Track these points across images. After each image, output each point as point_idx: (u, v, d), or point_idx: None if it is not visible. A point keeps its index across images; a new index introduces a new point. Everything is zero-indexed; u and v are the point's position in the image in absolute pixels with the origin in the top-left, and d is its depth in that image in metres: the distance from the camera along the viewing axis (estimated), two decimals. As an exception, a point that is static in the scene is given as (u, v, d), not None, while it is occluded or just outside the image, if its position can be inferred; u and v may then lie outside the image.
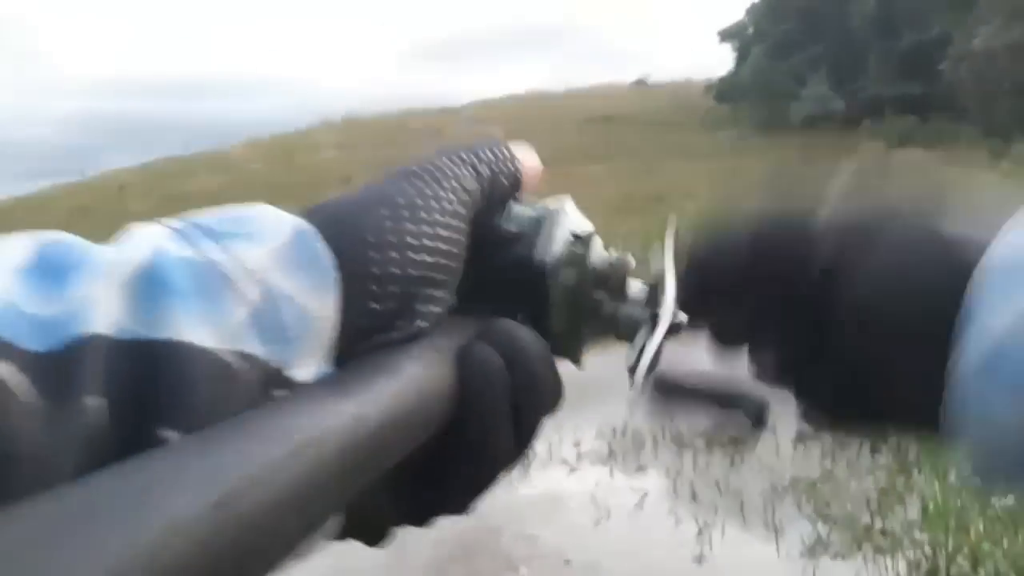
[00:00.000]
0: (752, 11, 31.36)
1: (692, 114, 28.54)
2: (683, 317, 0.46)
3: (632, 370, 0.45)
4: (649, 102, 30.35)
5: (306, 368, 0.28)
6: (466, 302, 0.40)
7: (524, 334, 0.37)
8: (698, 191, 19.51)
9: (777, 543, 3.88)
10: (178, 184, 25.58)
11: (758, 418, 0.50)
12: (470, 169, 0.39)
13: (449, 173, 0.37)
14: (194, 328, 0.25)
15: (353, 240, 0.31)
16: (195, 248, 0.27)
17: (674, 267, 0.47)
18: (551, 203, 0.46)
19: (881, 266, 0.41)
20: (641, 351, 0.45)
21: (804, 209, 0.52)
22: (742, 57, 31.08)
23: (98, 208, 25.10)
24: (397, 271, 0.31)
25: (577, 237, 0.44)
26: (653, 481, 4.86)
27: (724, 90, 30.35)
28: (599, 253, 0.45)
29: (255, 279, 0.27)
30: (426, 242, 0.32)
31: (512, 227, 0.43)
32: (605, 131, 27.13)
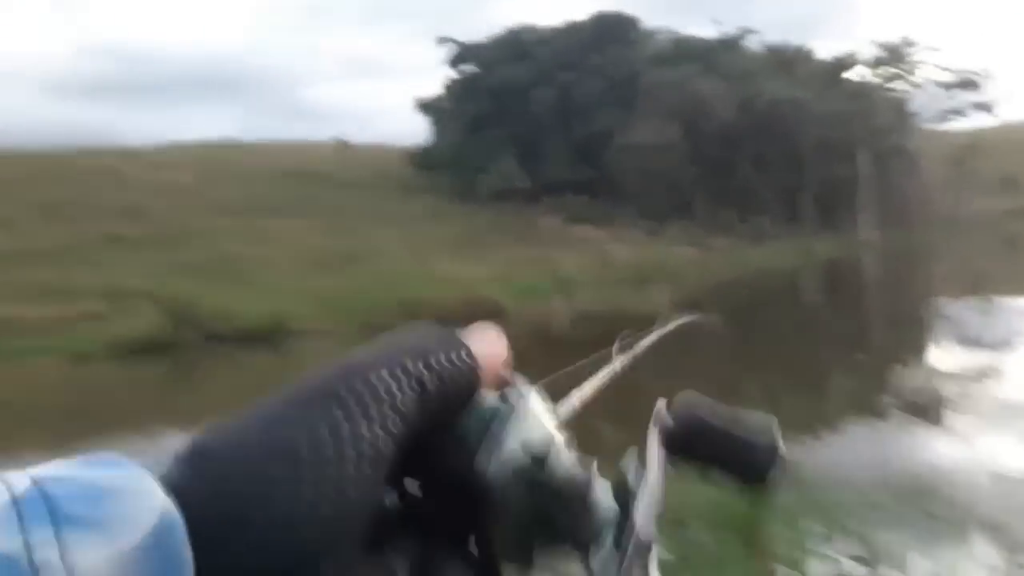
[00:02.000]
0: (450, 87, 33.13)
1: (389, 178, 29.17)
2: (649, 535, 0.39)
3: None
4: (348, 162, 30.57)
5: None
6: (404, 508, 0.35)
7: None
8: (392, 253, 19.96)
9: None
10: None
11: None
12: (414, 384, 0.31)
13: (383, 394, 0.30)
14: None
15: (228, 522, 0.24)
16: (26, 537, 0.22)
17: (656, 470, 0.42)
18: (513, 394, 0.41)
19: None
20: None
21: None
22: (440, 129, 32.62)
23: None
24: (274, 559, 0.24)
25: (534, 457, 0.37)
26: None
27: (422, 159, 31.52)
28: (560, 467, 0.38)
29: None
30: (324, 511, 0.25)
31: (463, 431, 0.37)
32: (301, 187, 26.75)
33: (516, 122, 29.76)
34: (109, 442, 8.52)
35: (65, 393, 11.63)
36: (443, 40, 31.68)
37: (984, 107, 33.58)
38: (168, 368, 12.50)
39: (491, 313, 13.99)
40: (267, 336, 13.27)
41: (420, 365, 0.32)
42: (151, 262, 18.86)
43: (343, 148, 34.16)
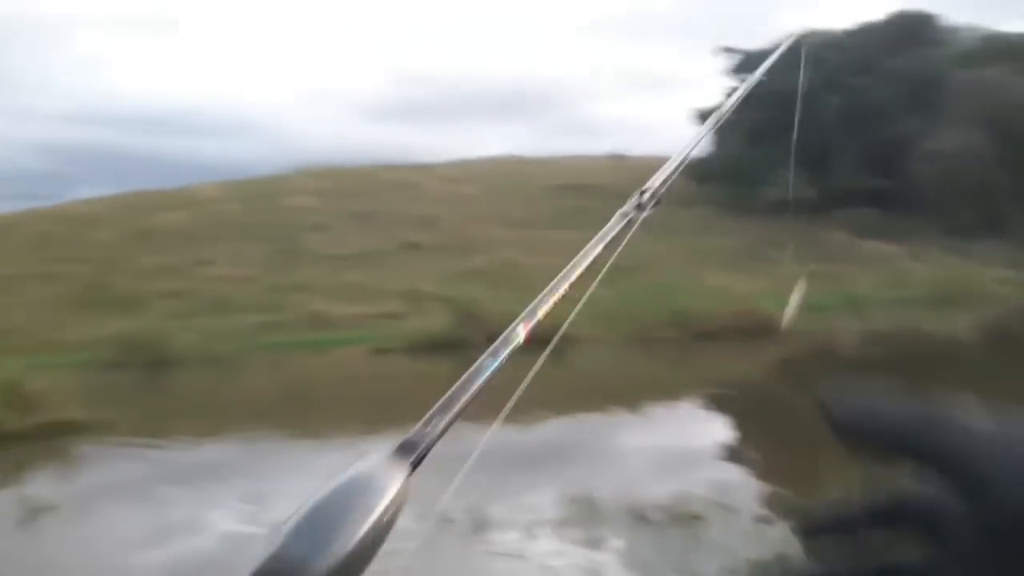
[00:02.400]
0: (730, 96, 32.31)
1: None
2: None
3: None
4: (623, 174, 30.94)
5: None
6: None
7: None
8: (668, 265, 19.86)
9: (725, 625, 3.84)
10: (147, 218, 25.36)
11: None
12: None
13: None
14: None
15: None
16: None
17: None
18: None
19: None
20: None
21: None
22: (719, 140, 31.90)
23: (63, 235, 24.75)
24: None
25: None
26: (608, 555, 4.79)
27: (699, 171, 31.02)
28: None
29: None
30: None
31: None
32: (578, 199, 27.52)
33: (800, 130, 28.31)
34: (407, 425, 9.37)
35: (368, 381, 12.96)
36: (724, 50, 31.00)
37: None
38: (456, 364, 13.44)
39: (765, 328, 13.44)
40: (546, 341, 13.79)
41: None
42: (442, 267, 20.42)
43: (618, 161, 34.61)
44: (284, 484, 6.66)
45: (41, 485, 7.06)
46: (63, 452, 8.34)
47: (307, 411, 10.79)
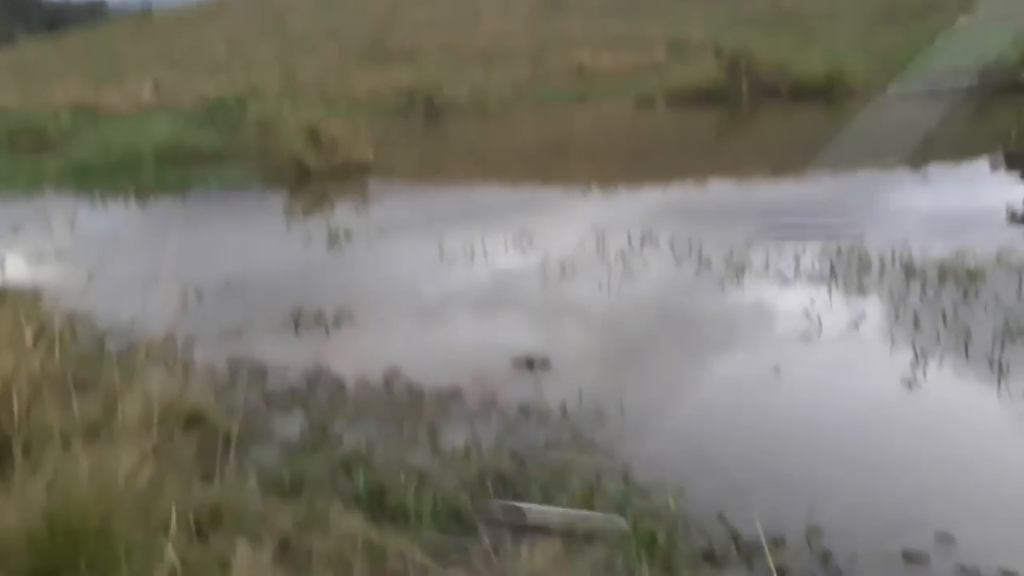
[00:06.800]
0: None
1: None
2: None
3: None
4: None
5: None
6: None
7: None
8: (970, 3, 16.93)
9: (999, 383, 3.63)
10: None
11: None
12: None
13: None
14: None
15: None
16: None
17: None
18: None
19: None
20: None
21: None
22: None
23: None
24: None
25: None
26: (873, 305, 4.62)
27: None
28: None
29: None
30: None
31: None
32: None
33: None
34: (663, 177, 9.36)
35: (628, 132, 12.91)
36: None
37: None
38: (720, 117, 12.93)
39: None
40: (821, 92, 12.74)
41: None
42: (715, 14, 19.05)
43: None
44: (547, 226, 7.01)
45: (341, 215, 8.01)
46: (357, 188, 9.34)
47: (568, 160, 11.05)
